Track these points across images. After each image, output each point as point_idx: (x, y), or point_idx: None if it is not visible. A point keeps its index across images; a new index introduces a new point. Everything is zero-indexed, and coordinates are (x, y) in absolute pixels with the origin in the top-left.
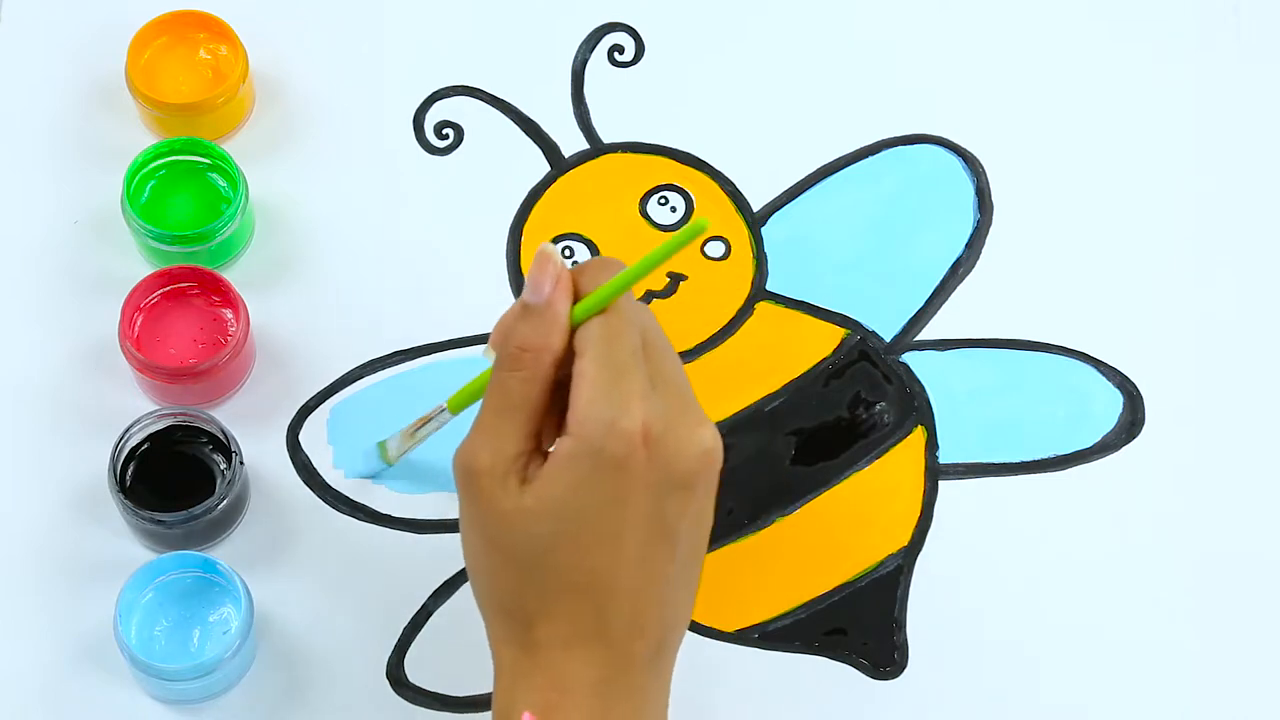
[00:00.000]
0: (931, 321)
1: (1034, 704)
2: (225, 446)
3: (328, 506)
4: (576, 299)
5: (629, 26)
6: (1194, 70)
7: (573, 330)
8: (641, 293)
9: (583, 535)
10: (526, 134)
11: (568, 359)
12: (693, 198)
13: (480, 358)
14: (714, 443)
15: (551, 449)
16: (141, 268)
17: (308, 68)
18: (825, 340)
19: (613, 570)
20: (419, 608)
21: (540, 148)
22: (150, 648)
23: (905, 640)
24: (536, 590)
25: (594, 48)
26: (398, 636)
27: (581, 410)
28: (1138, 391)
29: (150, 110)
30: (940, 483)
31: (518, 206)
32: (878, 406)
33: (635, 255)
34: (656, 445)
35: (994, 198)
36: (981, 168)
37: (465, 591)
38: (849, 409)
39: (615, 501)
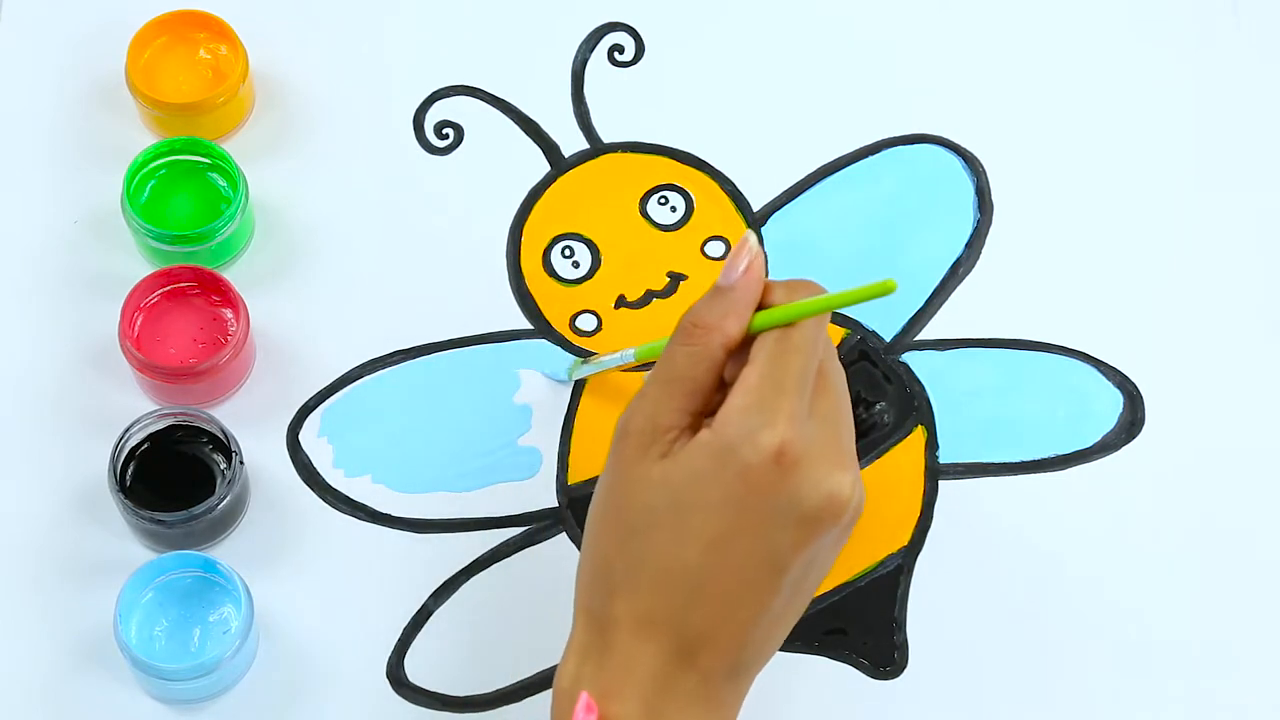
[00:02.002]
0: (931, 321)
1: (1034, 704)
2: (225, 446)
3: (328, 506)
4: (764, 306)
5: (629, 26)
6: (1194, 70)
7: (753, 335)
8: (642, 292)
9: (689, 525)
10: (526, 134)
11: (741, 356)
12: (693, 198)
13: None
14: (848, 491)
15: None
16: (141, 268)
17: (308, 68)
18: None
19: (705, 570)
20: (419, 608)
21: (540, 148)
22: (150, 648)
23: (905, 640)
24: (629, 560)
25: (594, 48)
26: (398, 636)
27: (728, 411)
28: (1138, 391)
29: (150, 110)
30: (940, 483)
31: (518, 206)
32: (878, 406)
33: (637, 254)
34: (789, 470)
35: (994, 198)
36: (981, 168)
37: (465, 591)
38: None
39: (730, 506)
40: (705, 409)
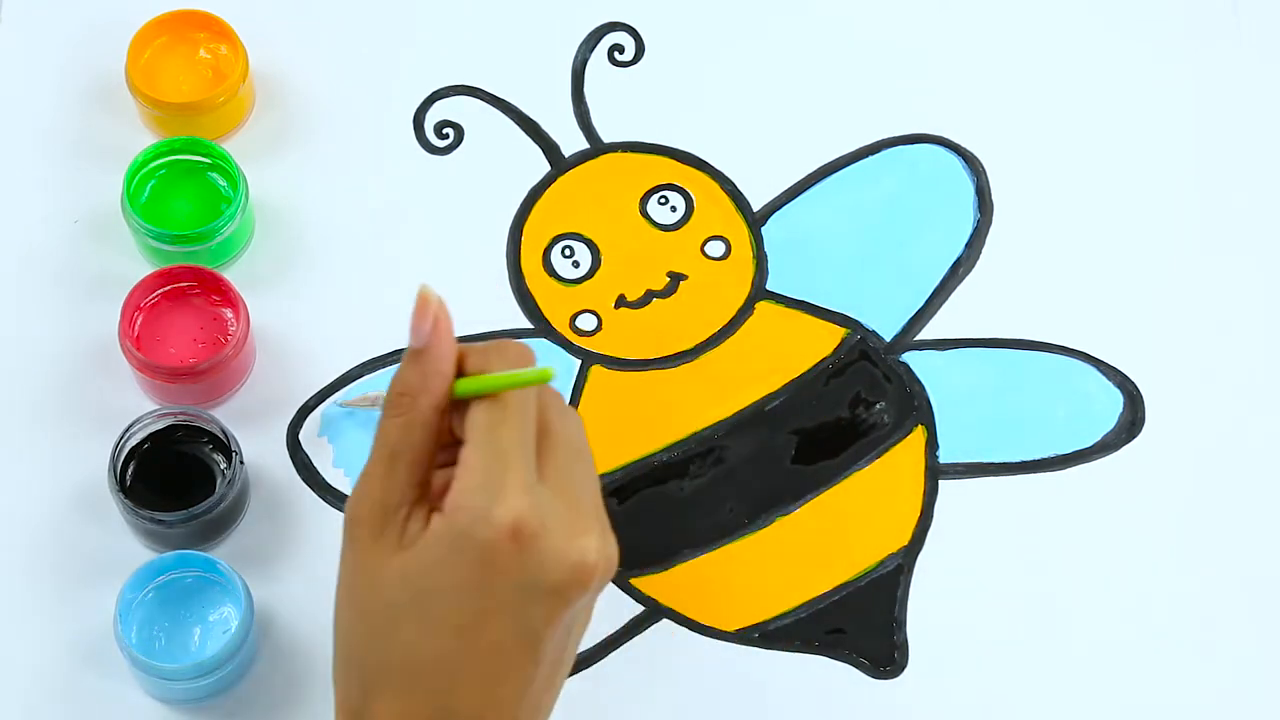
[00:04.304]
0: (931, 321)
1: (1033, 704)
2: (225, 446)
3: (328, 506)
4: (464, 372)
5: (629, 26)
6: (1194, 70)
7: (461, 402)
8: (642, 291)
9: (433, 615)
10: (526, 134)
11: (458, 416)
12: (693, 197)
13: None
14: (594, 556)
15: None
16: (141, 267)
17: (308, 68)
18: (825, 340)
19: (459, 656)
20: None
21: (540, 147)
22: (150, 648)
23: (905, 640)
24: (380, 660)
25: (594, 48)
26: None
27: (456, 495)
28: (1138, 391)
29: (150, 110)
30: (940, 482)
31: (518, 206)
32: (878, 406)
33: (637, 254)
34: (528, 544)
35: (994, 198)
36: (981, 168)
37: None
38: (849, 408)
39: (474, 590)
40: (429, 476)
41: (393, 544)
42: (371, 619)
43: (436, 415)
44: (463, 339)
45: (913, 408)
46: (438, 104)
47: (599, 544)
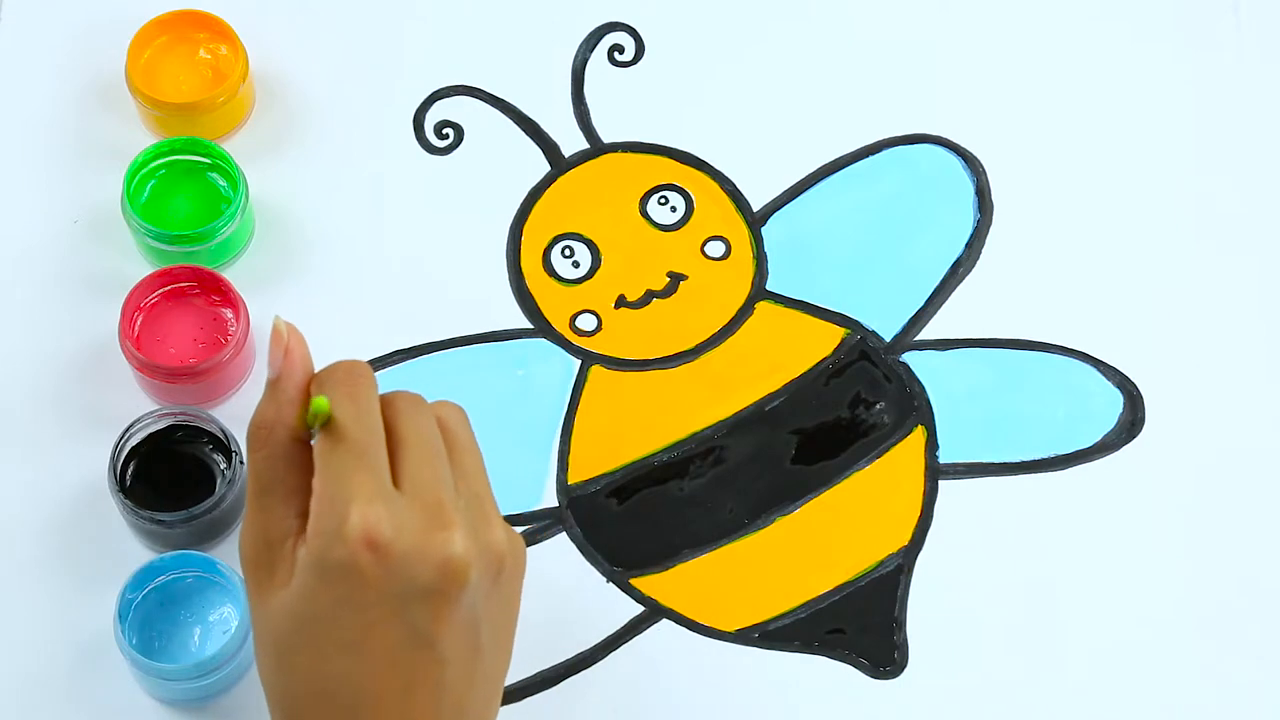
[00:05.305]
0: (931, 321)
1: (1033, 704)
2: (225, 446)
3: None
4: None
5: (629, 26)
6: (1194, 70)
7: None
8: (642, 291)
9: (320, 641)
10: (526, 134)
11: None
12: (693, 197)
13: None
14: (460, 549)
15: None
16: (141, 268)
17: (308, 68)
18: (825, 340)
19: (360, 676)
20: None
21: (540, 147)
22: (150, 648)
23: (905, 640)
24: (287, 689)
25: (594, 48)
26: None
27: (310, 523)
28: (1138, 391)
29: (150, 110)
30: (940, 482)
31: (518, 206)
32: (877, 406)
33: (637, 254)
34: (386, 551)
35: (994, 198)
36: (981, 168)
37: None
38: (849, 408)
39: (348, 608)
40: (308, 504)
41: (283, 578)
42: (273, 653)
43: (297, 445)
44: (462, 339)
45: (913, 408)
46: (438, 104)
47: (466, 537)
